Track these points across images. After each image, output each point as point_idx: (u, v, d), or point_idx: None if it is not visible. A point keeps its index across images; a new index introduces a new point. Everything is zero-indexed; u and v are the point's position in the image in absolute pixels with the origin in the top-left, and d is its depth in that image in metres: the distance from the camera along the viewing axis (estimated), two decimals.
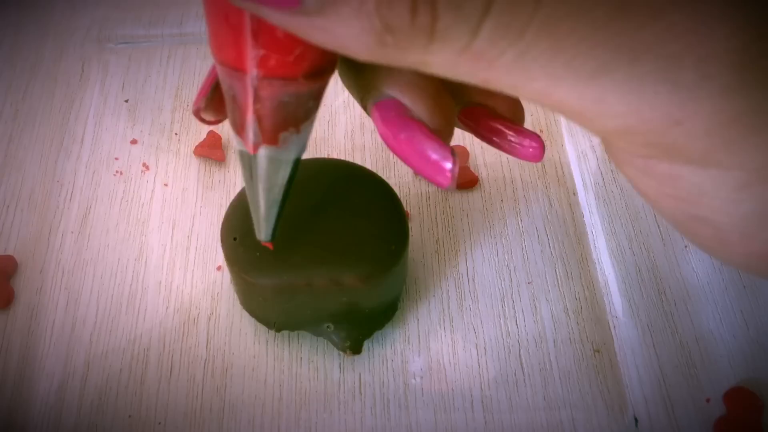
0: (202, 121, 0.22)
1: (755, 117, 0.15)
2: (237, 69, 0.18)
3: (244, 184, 0.24)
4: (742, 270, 0.23)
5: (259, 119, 0.19)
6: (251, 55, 0.17)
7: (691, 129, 0.15)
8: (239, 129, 0.20)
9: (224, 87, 0.19)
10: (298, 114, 0.20)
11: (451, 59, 0.15)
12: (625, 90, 0.14)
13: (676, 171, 0.16)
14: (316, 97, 0.20)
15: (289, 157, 0.21)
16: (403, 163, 0.38)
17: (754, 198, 0.16)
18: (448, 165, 0.19)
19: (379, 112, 0.20)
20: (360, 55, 0.15)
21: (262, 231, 0.25)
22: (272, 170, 0.22)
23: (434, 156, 0.19)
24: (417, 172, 0.20)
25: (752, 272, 0.19)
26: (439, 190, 0.37)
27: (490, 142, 0.23)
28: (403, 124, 0.19)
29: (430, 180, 0.20)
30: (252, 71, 0.18)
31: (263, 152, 0.21)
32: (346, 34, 0.14)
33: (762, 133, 0.15)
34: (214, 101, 0.22)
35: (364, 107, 0.21)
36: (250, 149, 0.20)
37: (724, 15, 0.14)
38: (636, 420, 0.31)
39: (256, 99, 0.18)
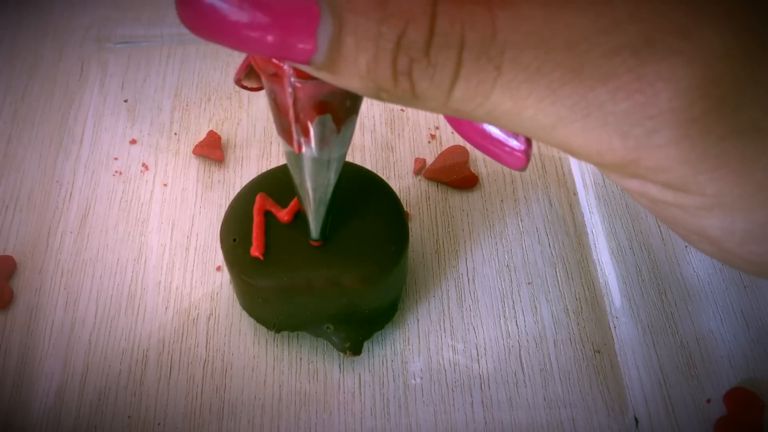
0: (244, 87, 0.23)
1: (704, 162, 0.16)
2: (275, 73, 0.19)
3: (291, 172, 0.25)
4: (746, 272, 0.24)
5: (299, 120, 0.20)
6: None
7: (648, 166, 0.17)
8: (284, 131, 0.21)
9: (267, 91, 0.21)
10: (338, 114, 0.21)
11: (438, 110, 0.17)
12: (585, 138, 0.17)
13: (647, 189, 0.18)
14: (354, 97, 0.20)
15: (332, 156, 0.22)
16: (403, 163, 0.38)
17: (717, 217, 0.18)
18: (521, 146, 0.20)
19: None
20: (370, 98, 0.17)
21: (313, 229, 0.27)
22: (317, 169, 0.23)
23: (506, 139, 0.20)
24: (488, 156, 0.21)
25: (756, 275, 0.20)
26: (439, 190, 0.37)
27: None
28: None
29: (502, 163, 0.21)
30: (289, 74, 0.19)
31: (307, 152, 0.22)
32: (350, 86, 0.17)
33: (713, 170, 0.16)
34: (253, 72, 0.23)
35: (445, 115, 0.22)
36: (295, 149, 0.22)
37: (672, 77, 0.15)
38: (636, 420, 0.31)
39: (295, 100, 0.19)
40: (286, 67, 0.18)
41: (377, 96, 0.17)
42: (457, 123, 0.21)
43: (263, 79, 0.20)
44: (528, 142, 0.20)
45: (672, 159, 0.16)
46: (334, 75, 0.17)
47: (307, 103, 0.20)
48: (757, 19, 0.16)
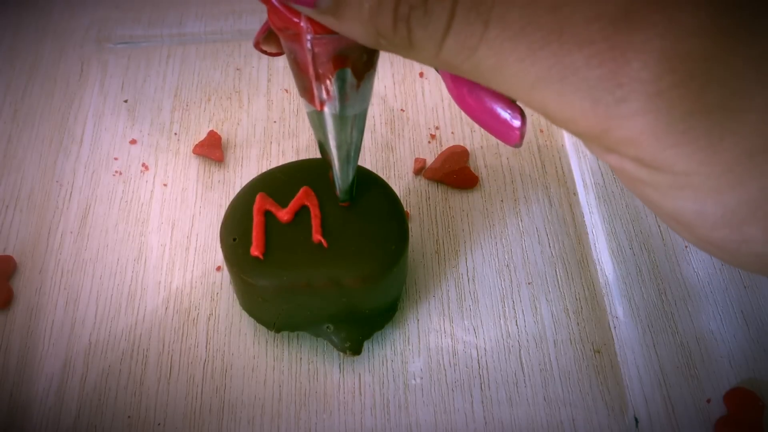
0: (263, 52, 0.24)
1: (670, 136, 0.17)
2: (293, 31, 0.20)
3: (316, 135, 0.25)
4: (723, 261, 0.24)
5: (319, 76, 0.21)
6: (303, 17, 0.19)
7: (618, 137, 0.17)
8: (305, 90, 0.22)
9: (286, 52, 0.21)
10: (357, 67, 0.21)
11: (429, 61, 0.18)
12: (560, 101, 0.17)
13: (623, 165, 0.19)
14: (371, 51, 0.21)
15: (353, 112, 0.23)
16: (403, 163, 0.38)
17: (688, 198, 0.18)
18: (517, 123, 0.20)
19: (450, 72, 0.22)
20: (368, 46, 0.19)
21: (340, 190, 0.28)
22: (339, 126, 0.24)
23: (503, 114, 0.21)
24: (486, 130, 0.22)
25: (731, 264, 0.21)
26: (439, 190, 0.37)
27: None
28: (473, 83, 0.20)
29: (498, 138, 0.21)
30: (306, 31, 0.19)
31: (328, 109, 0.23)
32: (352, 32, 0.18)
33: (680, 146, 0.17)
34: (271, 36, 0.24)
35: (436, 68, 0.23)
36: (316, 106, 0.22)
37: (643, 48, 0.16)
38: (636, 420, 0.31)
39: (314, 56, 0.20)
40: (303, 24, 0.19)
41: (376, 43, 0.18)
42: (458, 95, 0.22)
43: (282, 40, 0.21)
44: (523, 119, 0.20)
45: (639, 131, 0.17)
46: (337, 20, 0.18)
47: (325, 57, 0.20)
48: (735, 3, 0.16)
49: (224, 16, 0.45)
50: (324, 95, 0.22)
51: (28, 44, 0.43)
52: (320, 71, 0.21)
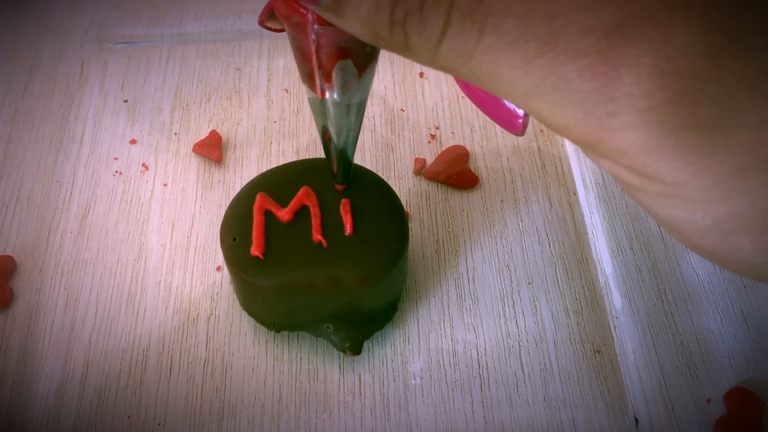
0: (268, 28, 0.24)
1: (660, 151, 0.17)
2: (298, 20, 0.20)
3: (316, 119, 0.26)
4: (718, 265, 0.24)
5: (322, 65, 0.21)
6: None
7: (610, 148, 0.17)
8: (307, 76, 0.23)
9: (290, 38, 0.22)
10: (358, 59, 0.22)
11: (427, 63, 0.19)
12: (553, 110, 0.17)
13: (617, 171, 0.19)
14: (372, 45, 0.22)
15: (353, 101, 0.24)
16: (403, 163, 0.38)
17: (679, 207, 0.18)
18: (521, 112, 0.21)
19: None
20: (369, 43, 0.19)
21: (338, 174, 0.28)
22: (339, 114, 0.24)
23: (507, 103, 0.21)
24: (490, 118, 0.22)
25: (725, 268, 0.21)
26: (439, 190, 0.37)
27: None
28: None
29: (502, 126, 0.22)
30: (312, 21, 0.20)
31: (329, 97, 0.23)
32: (352, 30, 0.19)
33: (670, 160, 0.17)
34: (276, 15, 0.24)
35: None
36: (318, 94, 0.23)
37: (636, 64, 0.16)
38: (636, 420, 0.31)
39: (318, 46, 0.21)
40: (309, 15, 0.20)
41: (376, 42, 0.19)
42: (463, 83, 0.22)
43: (286, 28, 0.21)
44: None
45: (630, 144, 0.17)
46: (339, 18, 0.18)
47: (328, 48, 0.21)
48: (731, 20, 0.16)
49: (224, 16, 0.45)
50: (325, 84, 0.22)
51: (28, 44, 0.43)
52: (323, 61, 0.21)
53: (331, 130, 0.25)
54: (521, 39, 0.17)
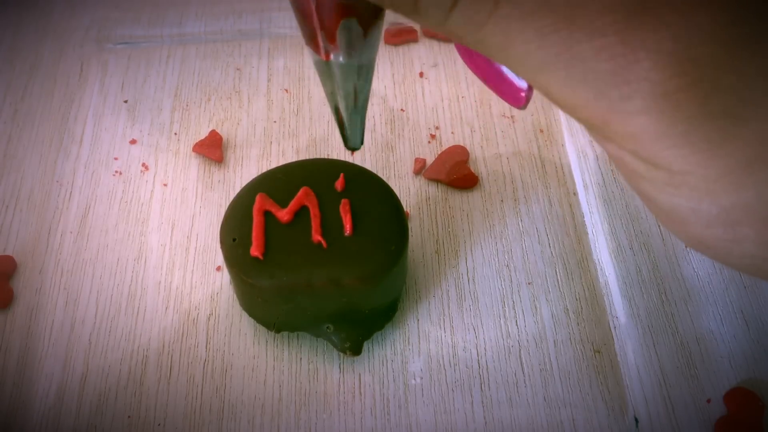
0: None
1: (670, 137, 0.17)
2: None
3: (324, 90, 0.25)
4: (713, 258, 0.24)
5: (324, 25, 0.20)
6: None
7: (618, 131, 0.17)
8: (310, 39, 0.22)
9: (291, 1, 0.21)
10: (363, 17, 0.21)
11: (436, 28, 0.18)
12: (563, 88, 0.17)
13: (622, 155, 0.18)
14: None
15: (360, 62, 0.22)
16: (403, 163, 0.38)
17: (684, 196, 0.18)
18: (524, 85, 0.20)
19: None
20: (383, 7, 0.18)
21: (348, 138, 0.27)
22: (346, 76, 0.23)
23: (511, 76, 0.21)
24: (493, 90, 0.22)
25: (720, 261, 0.21)
26: (439, 190, 0.37)
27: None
28: None
29: (505, 99, 0.21)
30: None
31: (335, 59, 0.22)
32: None
33: (679, 147, 0.17)
34: None
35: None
36: (322, 56, 0.22)
37: (656, 48, 0.16)
38: (636, 420, 0.31)
39: (318, 5, 0.20)
40: None
41: (388, 8, 0.18)
42: (467, 53, 0.21)
43: None
44: (530, 85, 0.20)
45: (640, 128, 0.17)
46: None
47: (329, 6, 0.20)
48: (753, 13, 0.16)
49: (224, 16, 0.45)
50: (329, 45, 0.21)
51: (28, 44, 0.43)
52: (325, 20, 0.20)
53: (339, 93, 0.24)
54: (538, 12, 0.16)
